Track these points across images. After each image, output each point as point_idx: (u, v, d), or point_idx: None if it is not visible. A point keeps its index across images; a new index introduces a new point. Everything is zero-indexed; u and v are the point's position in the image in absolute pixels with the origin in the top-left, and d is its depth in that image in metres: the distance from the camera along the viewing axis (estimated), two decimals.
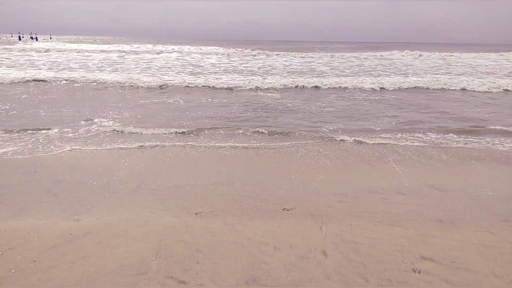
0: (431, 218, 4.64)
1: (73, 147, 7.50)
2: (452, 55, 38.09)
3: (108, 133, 8.73)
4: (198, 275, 3.43)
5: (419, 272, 3.49)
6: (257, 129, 9.25)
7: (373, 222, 4.50)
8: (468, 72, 24.89)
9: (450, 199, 5.27)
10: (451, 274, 3.46)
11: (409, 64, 30.73)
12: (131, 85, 17.25)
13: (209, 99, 14.03)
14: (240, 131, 9.09)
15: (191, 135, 8.75)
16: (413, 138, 8.78)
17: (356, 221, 4.53)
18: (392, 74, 23.64)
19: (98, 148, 7.52)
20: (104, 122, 9.81)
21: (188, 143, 7.99)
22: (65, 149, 7.36)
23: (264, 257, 3.75)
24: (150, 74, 20.90)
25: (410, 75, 23.08)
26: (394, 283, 3.32)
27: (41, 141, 7.89)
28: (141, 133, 8.76)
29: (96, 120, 10.00)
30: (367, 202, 5.14)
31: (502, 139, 8.77)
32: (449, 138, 8.86)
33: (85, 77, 18.89)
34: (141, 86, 17.11)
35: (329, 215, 4.72)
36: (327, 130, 9.45)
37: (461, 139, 8.77)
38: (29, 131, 8.59)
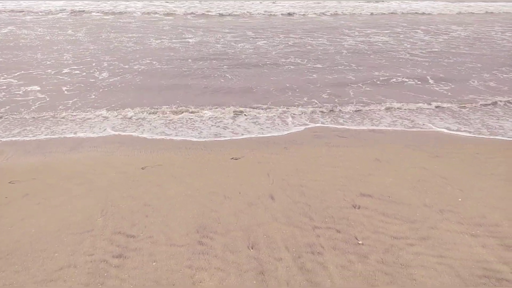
0: (369, 158, 4.92)
1: None
2: None
3: None
4: (147, 228, 3.42)
5: (358, 208, 3.74)
6: None
7: (317, 165, 4.69)
8: None
9: (388, 140, 5.59)
10: (388, 208, 3.75)
11: None
12: None
13: None
14: None
15: None
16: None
17: (302, 165, 4.69)
18: None
19: None
20: None
21: None
22: None
23: (214, 205, 3.80)
24: None
25: None
26: (336, 219, 3.54)
27: None
28: None
29: None
30: (312, 147, 5.31)
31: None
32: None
33: None
34: None
35: (276, 161, 4.83)
36: None
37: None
38: None
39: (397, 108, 7.13)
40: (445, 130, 6.08)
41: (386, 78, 9.17)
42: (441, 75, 9.43)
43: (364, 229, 3.40)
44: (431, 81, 9.00)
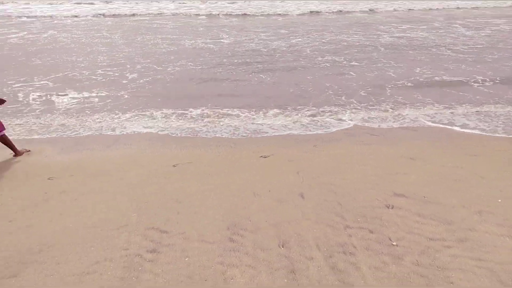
0: (403, 157, 4.79)
1: None
2: None
3: None
4: (179, 224, 3.47)
5: (392, 208, 3.64)
6: None
7: (348, 164, 4.61)
8: None
9: (422, 139, 5.42)
10: (423, 208, 3.63)
11: None
12: None
13: None
14: None
15: None
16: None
17: (332, 164, 4.62)
18: None
19: None
20: None
21: None
22: None
23: (244, 203, 3.82)
24: None
25: None
26: (369, 219, 3.47)
27: None
28: None
29: None
30: (343, 145, 5.23)
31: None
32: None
33: None
34: None
35: (306, 160, 4.78)
36: None
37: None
38: None
39: (434, 106, 6.90)
40: (480, 131, 5.84)
41: (427, 75, 8.91)
42: (486, 72, 9.04)
43: (398, 230, 3.31)
44: (475, 78, 8.65)
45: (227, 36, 14.21)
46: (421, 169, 4.44)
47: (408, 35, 13.79)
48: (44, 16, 20.04)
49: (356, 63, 10.17)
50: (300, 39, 13.38)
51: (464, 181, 4.15)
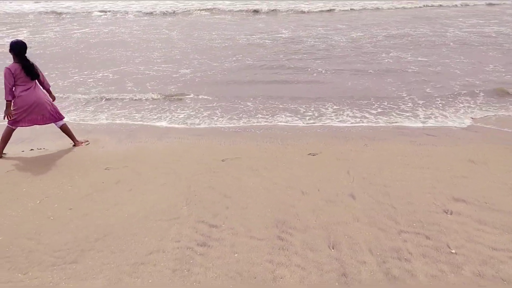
0: (462, 159, 4.51)
1: None
2: None
3: None
4: (228, 219, 3.49)
5: (451, 213, 3.44)
6: None
7: (402, 165, 4.41)
8: None
9: (483, 140, 5.07)
10: (484, 215, 3.40)
11: None
12: None
13: None
14: None
15: None
16: None
17: (385, 164, 4.45)
18: None
19: None
20: None
21: None
22: None
23: (292, 201, 3.77)
24: None
25: None
26: (426, 224, 3.29)
27: None
28: None
29: None
30: (395, 144, 5.02)
31: None
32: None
33: None
34: None
35: (356, 158, 4.64)
36: None
37: None
38: None
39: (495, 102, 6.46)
40: None
41: (500, 73, 8.34)
42: None
43: (458, 237, 3.11)
44: None
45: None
46: (483, 173, 4.16)
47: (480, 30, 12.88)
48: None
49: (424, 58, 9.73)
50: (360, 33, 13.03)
51: None
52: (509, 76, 8.25)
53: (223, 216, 3.55)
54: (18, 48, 4.61)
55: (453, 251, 2.97)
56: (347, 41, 12.07)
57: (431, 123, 5.85)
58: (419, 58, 9.90)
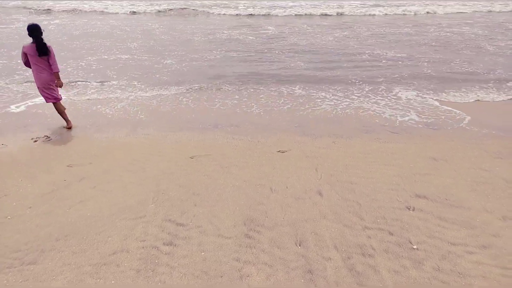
0: (424, 156, 4.65)
1: None
2: None
3: None
4: (196, 217, 3.46)
5: (413, 210, 3.55)
6: None
7: (368, 162, 4.51)
8: None
9: (445, 138, 5.26)
10: (445, 211, 3.53)
11: None
12: None
13: None
14: None
15: None
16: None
17: (351, 161, 4.53)
18: None
19: None
20: None
21: None
22: None
23: (261, 198, 3.78)
24: None
25: None
26: (389, 220, 3.39)
27: None
28: None
29: None
30: (361, 142, 5.12)
31: None
32: None
33: None
34: None
35: (325, 156, 4.70)
36: None
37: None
38: None
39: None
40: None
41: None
42: None
43: (419, 233, 3.22)
44: None
45: None
46: (444, 170, 4.32)
47: None
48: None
49: None
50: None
51: (488, 184, 4.01)
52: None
53: (191, 214, 3.51)
54: (29, 30, 5.08)
55: (414, 246, 3.07)
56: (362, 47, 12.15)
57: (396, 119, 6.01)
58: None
